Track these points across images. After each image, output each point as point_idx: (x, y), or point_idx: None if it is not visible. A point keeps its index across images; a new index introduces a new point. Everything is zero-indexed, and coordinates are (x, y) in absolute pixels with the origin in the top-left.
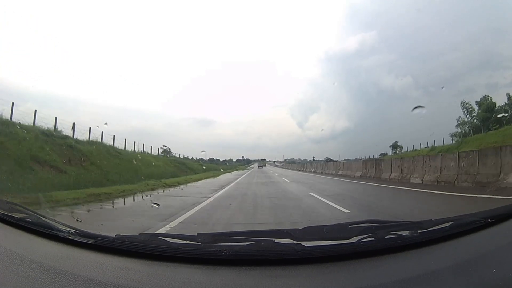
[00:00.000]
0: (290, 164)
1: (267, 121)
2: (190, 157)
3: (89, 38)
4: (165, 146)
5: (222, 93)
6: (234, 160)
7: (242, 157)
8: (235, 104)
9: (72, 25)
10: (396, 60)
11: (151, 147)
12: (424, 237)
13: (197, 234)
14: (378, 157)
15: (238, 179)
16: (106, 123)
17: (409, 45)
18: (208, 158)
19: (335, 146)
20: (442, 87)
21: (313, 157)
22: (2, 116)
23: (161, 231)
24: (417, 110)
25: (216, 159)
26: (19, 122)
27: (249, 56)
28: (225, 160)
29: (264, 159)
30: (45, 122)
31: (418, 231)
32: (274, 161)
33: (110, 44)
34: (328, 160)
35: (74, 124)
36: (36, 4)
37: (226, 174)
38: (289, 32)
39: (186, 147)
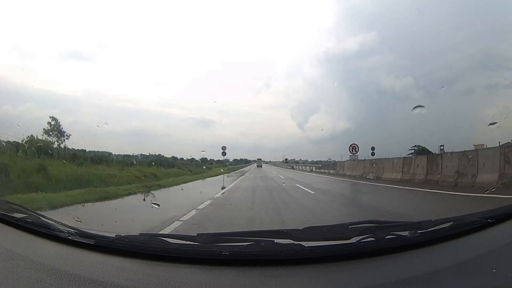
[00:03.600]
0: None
1: (267, 122)
2: (180, 157)
3: (88, 38)
4: (53, 120)
5: (222, 93)
6: (231, 160)
7: (223, 150)
8: (235, 104)
9: (72, 25)
10: (396, 60)
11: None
12: (424, 237)
13: (197, 234)
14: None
15: None
16: (106, 123)
17: (409, 45)
18: (200, 158)
19: (335, 147)
20: (442, 87)
21: (372, 150)
22: None
23: (163, 231)
24: (417, 110)
25: (210, 159)
26: None
27: (248, 56)
28: (220, 160)
29: (260, 159)
30: None
31: (418, 232)
32: (284, 160)
33: (110, 44)
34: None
35: None
36: (34, 2)
37: None
38: (289, 33)
39: (187, 148)
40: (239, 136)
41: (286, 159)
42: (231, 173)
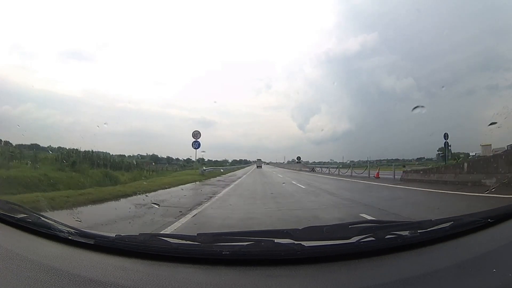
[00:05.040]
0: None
1: (267, 123)
2: (176, 158)
3: (89, 38)
4: None
5: (222, 94)
6: (230, 160)
7: (195, 138)
8: (235, 105)
9: (72, 25)
10: (397, 61)
11: None
12: (424, 237)
13: (197, 234)
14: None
15: None
16: (106, 123)
17: (410, 46)
18: (197, 159)
19: (336, 148)
20: (442, 87)
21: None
22: None
23: (163, 231)
24: (417, 110)
25: (208, 159)
26: None
27: (249, 56)
28: (217, 160)
29: (260, 159)
30: None
31: (418, 231)
32: (297, 159)
33: (110, 44)
34: None
35: None
36: (35, 2)
37: None
38: (289, 33)
39: (188, 148)
40: (239, 137)
41: (298, 157)
42: (186, 191)
